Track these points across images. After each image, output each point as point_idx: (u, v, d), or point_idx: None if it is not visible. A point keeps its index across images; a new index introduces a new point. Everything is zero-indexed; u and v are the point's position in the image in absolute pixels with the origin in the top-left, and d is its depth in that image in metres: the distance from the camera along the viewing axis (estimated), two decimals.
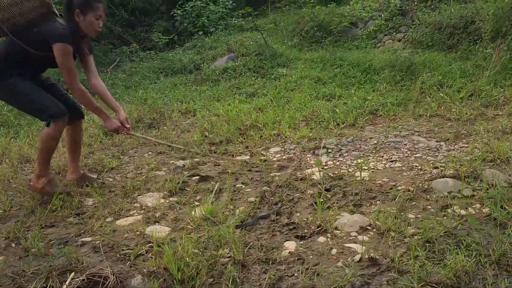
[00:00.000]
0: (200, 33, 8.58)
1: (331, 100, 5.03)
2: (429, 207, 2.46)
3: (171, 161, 3.53)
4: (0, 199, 2.83)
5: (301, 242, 2.16)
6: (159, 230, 2.33)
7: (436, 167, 2.99)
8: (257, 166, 3.26)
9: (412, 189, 2.68)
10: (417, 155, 3.34)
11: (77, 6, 2.70)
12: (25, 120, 4.60)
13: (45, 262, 2.05)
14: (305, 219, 2.38)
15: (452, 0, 7.13)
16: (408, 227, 2.22)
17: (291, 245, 2.12)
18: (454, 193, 2.57)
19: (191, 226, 2.35)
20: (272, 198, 2.68)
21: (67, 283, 1.82)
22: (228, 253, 2.03)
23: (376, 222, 2.27)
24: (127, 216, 2.56)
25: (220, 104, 5.05)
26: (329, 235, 2.21)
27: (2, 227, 2.45)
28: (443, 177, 2.78)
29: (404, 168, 3.11)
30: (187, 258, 1.92)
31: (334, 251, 2.06)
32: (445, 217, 2.30)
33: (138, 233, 2.32)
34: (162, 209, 2.62)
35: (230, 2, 9.58)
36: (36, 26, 2.67)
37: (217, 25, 8.80)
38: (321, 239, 2.18)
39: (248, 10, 7.19)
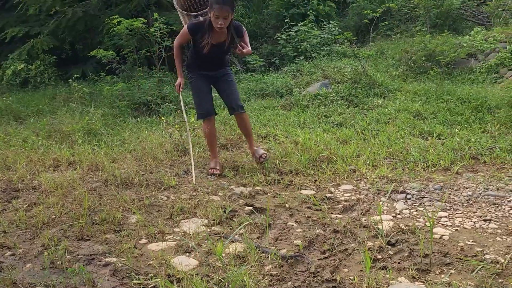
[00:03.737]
0: (301, 57, 8.43)
1: (427, 139, 4.41)
2: None
3: (231, 187, 3.34)
4: (57, 203, 2.91)
5: None
6: (186, 263, 2.13)
7: None
8: (319, 204, 2.90)
9: (503, 261, 2.09)
10: None
11: (209, 4, 3.35)
12: (109, 130, 4.83)
13: (62, 278, 1.97)
14: (351, 278, 1.97)
15: None
16: None
17: None
18: None
19: (220, 264, 2.10)
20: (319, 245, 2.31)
21: None
22: None
23: None
24: (162, 241, 2.41)
25: (302, 131, 4.76)
26: None
27: (44, 233, 2.48)
28: None
29: (499, 231, 2.48)
30: None
31: None
32: None
33: (163, 261, 2.14)
34: (200, 238, 2.42)
35: (337, 29, 9.30)
36: None
37: (320, 50, 8.59)
38: None
39: (348, 35, 6.83)
